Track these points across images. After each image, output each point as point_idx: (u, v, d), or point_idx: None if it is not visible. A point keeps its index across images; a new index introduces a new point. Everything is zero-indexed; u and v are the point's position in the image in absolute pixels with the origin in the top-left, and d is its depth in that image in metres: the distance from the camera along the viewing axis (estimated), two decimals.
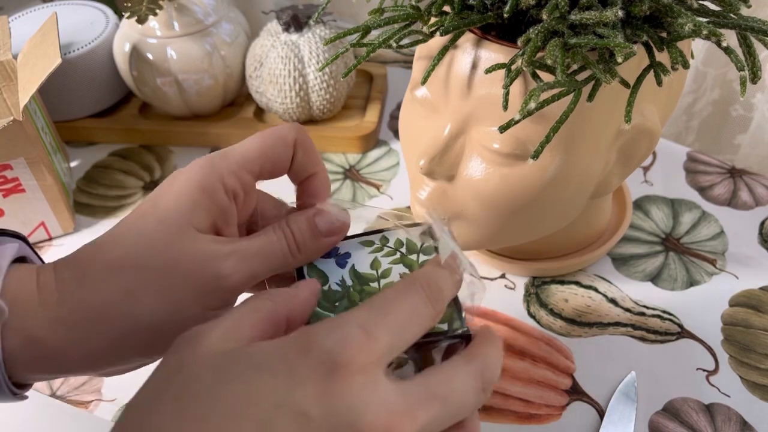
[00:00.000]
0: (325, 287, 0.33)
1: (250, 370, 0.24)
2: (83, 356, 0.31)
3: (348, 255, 0.34)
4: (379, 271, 0.34)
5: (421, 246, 0.35)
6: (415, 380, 0.26)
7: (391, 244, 0.35)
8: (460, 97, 0.40)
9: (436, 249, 0.35)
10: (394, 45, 0.39)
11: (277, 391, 0.23)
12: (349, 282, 0.33)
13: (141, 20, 0.60)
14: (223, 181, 0.32)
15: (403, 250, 0.35)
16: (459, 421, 0.26)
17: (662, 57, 0.37)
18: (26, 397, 0.33)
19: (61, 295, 0.30)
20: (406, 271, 0.34)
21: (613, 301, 0.52)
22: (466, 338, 0.31)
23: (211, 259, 0.31)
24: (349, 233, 0.35)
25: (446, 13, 0.38)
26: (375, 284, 0.33)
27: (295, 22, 0.63)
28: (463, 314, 0.31)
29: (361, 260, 0.34)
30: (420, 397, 0.25)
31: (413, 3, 0.39)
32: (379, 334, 0.25)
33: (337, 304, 0.32)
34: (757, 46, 0.62)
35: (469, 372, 0.27)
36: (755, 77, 0.35)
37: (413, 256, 0.34)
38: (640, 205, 0.59)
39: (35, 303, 0.30)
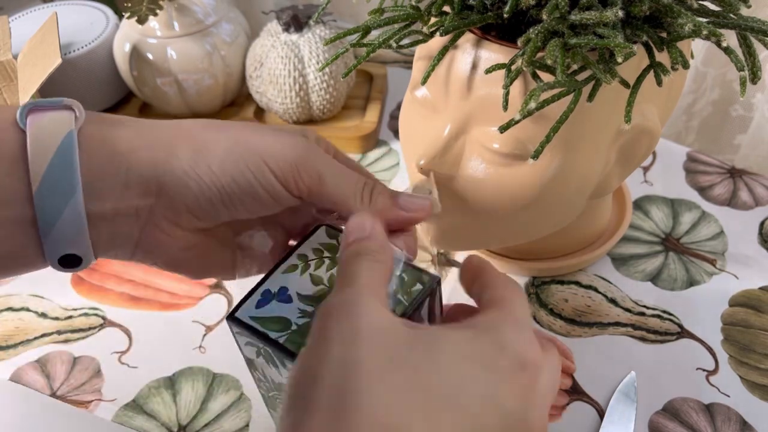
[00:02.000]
0: (294, 327, 0.32)
1: (460, 359, 0.26)
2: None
3: (285, 289, 0.34)
4: (326, 283, 0.33)
5: (338, 241, 0.35)
6: (542, 386, 0.28)
7: (311, 256, 0.35)
8: (460, 97, 0.40)
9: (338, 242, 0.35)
10: (394, 45, 0.39)
11: (488, 384, 0.25)
12: (309, 309, 0.33)
13: (141, 20, 0.60)
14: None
15: (327, 254, 0.35)
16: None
17: (662, 57, 0.37)
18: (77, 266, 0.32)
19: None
20: None
21: (613, 301, 0.52)
22: (438, 283, 0.33)
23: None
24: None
25: (446, 13, 0.38)
26: None
27: (295, 22, 0.63)
28: (421, 266, 0.34)
29: (300, 284, 0.34)
30: (547, 394, 0.28)
31: (413, 3, 0.39)
32: (534, 336, 0.28)
33: None
34: (757, 46, 0.62)
35: (555, 365, 0.29)
36: (755, 77, 0.35)
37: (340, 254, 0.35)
38: (640, 205, 0.59)
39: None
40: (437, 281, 0.33)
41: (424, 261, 0.55)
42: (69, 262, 0.31)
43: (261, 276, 0.34)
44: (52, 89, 0.65)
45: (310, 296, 0.33)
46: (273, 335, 0.32)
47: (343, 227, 0.33)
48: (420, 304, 0.32)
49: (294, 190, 0.33)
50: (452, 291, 0.52)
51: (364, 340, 0.25)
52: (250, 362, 0.35)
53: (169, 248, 0.33)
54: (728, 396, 0.46)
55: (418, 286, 0.33)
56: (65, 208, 0.29)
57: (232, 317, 0.33)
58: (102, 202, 0.31)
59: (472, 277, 0.32)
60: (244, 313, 0.33)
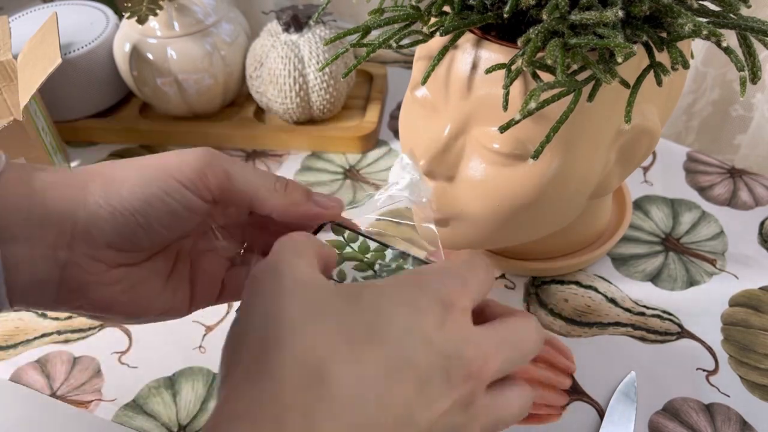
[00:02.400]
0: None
1: (381, 300, 0.27)
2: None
3: None
4: (335, 278, 0.34)
5: (345, 237, 0.36)
6: (491, 325, 0.30)
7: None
8: (460, 97, 0.40)
9: (357, 234, 0.36)
10: (394, 45, 0.39)
11: (408, 318, 0.27)
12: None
13: (141, 20, 0.60)
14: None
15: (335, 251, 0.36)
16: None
17: (662, 57, 0.37)
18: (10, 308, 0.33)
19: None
20: (354, 263, 0.35)
21: (613, 301, 0.52)
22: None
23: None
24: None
25: (446, 13, 0.38)
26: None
27: (295, 22, 0.63)
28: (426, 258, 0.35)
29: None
30: (500, 341, 0.29)
31: (413, 3, 0.39)
32: (470, 283, 0.30)
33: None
34: (757, 46, 0.62)
35: (531, 326, 0.31)
36: (755, 77, 0.35)
37: (348, 249, 0.36)
38: (640, 205, 0.59)
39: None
40: None
41: (420, 251, 0.55)
42: None
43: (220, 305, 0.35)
44: (52, 89, 0.65)
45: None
46: None
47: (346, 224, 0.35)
48: None
49: (205, 193, 0.34)
50: None
51: (286, 294, 0.26)
52: None
53: (95, 288, 0.33)
54: (728, 396, 0.46)
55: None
56: None
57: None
58: (17, 245, 0.31)
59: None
60: None
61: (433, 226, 0.41)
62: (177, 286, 0.36)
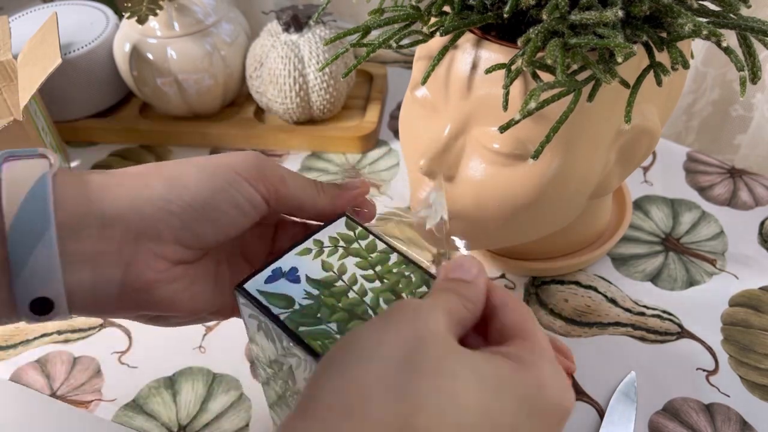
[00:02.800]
0: (296, 307, 0.32)
1: (498, 387, 0.26)
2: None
3: (295, 269, 0.34)
4: (335, 270, 0.34)
5: (356, 233, 0.36)
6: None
7: (327, 243, 0.35)
8: (460, 97, 0.40)
9: (368, 232, 0.36)
10: (394, 45, 0.39)
11: (518, 417, 0.26)
12: (315, 292, 0.33)
13: (141, 20, 0.60)
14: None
15: (342, 244, 0.35)
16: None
17: (662, 57, 0.37)
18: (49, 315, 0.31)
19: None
20: (358, 259, 0.34)
21: (613, 301, 0.52)
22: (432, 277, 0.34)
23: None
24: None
25: (446, 13, 0.38)
26: (339, 283, 0.34)
27: (295, 23, 0.63)
28: (431, 271, 0.34)
29: (311, 268, 0.34)
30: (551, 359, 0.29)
31: (413, 3, 0.39)
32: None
33: (319, 315, 0.32)
34: (757, 46, 0.62)
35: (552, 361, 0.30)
36: (755, 77, 0.35)
37: (355, 245, 0.35)
38: (639, 205, 0.59)
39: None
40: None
41: (424, 261, 0.55)
42: (41, 309, 0.30)
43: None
44: (52, 89, 0.65)
45: (318, 281, 0.34)
46: (275, 311, 0.32)
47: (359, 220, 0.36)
48: None
49: (264, 192, 0.34)
50: None
51: (420, 339, 0.26)
52: (251, 335, 0.36)
53: (159, 286, 0.33)
54: (728, 396, 0.46)
55: (424, 288, 0.33)
56: (37, 245, 0.29)
57: (239, 287, 0.33)
58: (80, 243, 0.30)
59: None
60: (253, 285, 0.33)
61: (461, 246, 0.42)
62: (223, 287, 0.37)
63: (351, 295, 0.33)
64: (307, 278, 0.34)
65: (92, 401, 0.48)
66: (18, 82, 0.58)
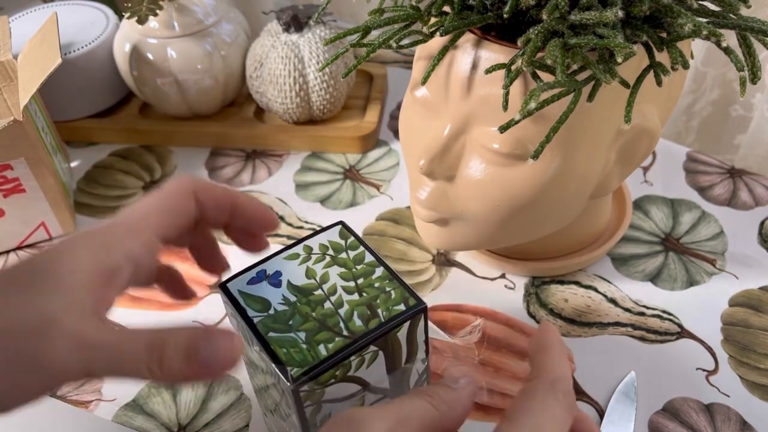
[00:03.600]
0: (271, 311, 0.33)
1: None
2: None
3: (278, 273, 0.34)
4: (317, 278, 0.34)
5: (346, 243, 0.36)
6: None
7: (316, 250, 0.35)
8: (460, 97, 0.40)
9: (360, 242, 0.36)
10: (394, 45, 0.39)
11: None
12: (292, 298, 0.33)
13: (141, 20, 0.60)
14: (120, 267, 0.29)
15: (330, 252, 0.35)
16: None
17: (662, 57, 0.37)
18: None
19: None
20: (343, 270, 0.34)
21: (612, 301, 0.52)
22: (423, 310, 0.33)
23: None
24: None
25: (446, 14, 0.38)
26: (318, 291, 0.33)
27: (296, 23, 0.63)
28: (411, 289, 0.34)
29: (294, 273, 0.34)
30: None
31: (413, 3, 0.39)
32: None
33: (290, 323, 0.32)
34: (757, 46, 0.62)
35: (556, 399, 0.29)
36: (755, 77, 0.35)
37: (343, 255, 0.35)
38: (639, 205, 0.59)
39: None
40: (424, 308, 0.33)
41: (424, 261, 0.55)
42: None
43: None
44: (52, 89, 0.65)
45: (298, 287, 0.34)
46: (250, 313, 0.32)
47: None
48: (398, 325, 0.32)
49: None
50: (451, 291, 0.52)
51: None
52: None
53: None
54: (728, 396, 0.46)
55: (401, 306, 0.33)
56: None
57: (223, 285, 0.34)
58: None
59: (534, 348, 0.32)
60: (235, 285, 0.34)
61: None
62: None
63: (327, 305, 0.33)
64: (289, 283, 0.34)
65: (92, 401, 0.48)
66: (18, 82, 0.58)
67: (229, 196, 0.34)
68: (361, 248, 0.35)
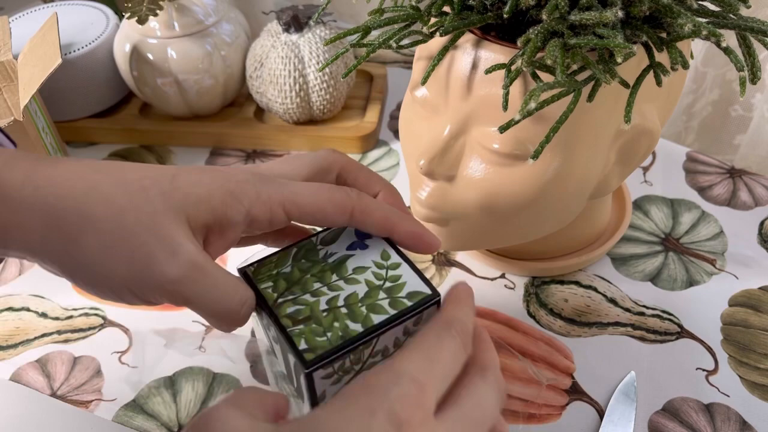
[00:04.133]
0: (292, 295, 0.33)
1: None
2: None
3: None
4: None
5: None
6: (453, 412, 0.28)
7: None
8: (460, 97, 0.40)
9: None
10: (394, 45, 0.39)
11: None
12: (316, 285, 0.34)
13: (141, 21, 0.60)
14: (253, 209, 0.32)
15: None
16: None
17: (662, 57, 0.37)
18: None
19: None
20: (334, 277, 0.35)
21: (612, 300, 0.52)
22: (438, 302, 0.33)
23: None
24: None
25: (446, 14, 0.38)
26: (339, 281, 0.34)
27: (296, 23, 0.63)
28: (425, 277, 0.34)
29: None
30: (466, 428, 0.28)
31: (413, 3, 0.39)
32: (428, 385, 0.27)
33: (310, 306, 0.33)
34: (757, 46, 0.62)
35: (490, 388, 0.29)
36: (755, 78, 0.35)
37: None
38: (639, 205, 0.59)
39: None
40: (438, 300, 0.34)
41: (424, 261, 0.55)
42: None
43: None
44: (52, 89, 0.65)
45: (319, 275, 0.34)
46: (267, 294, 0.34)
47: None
48: (412, 315, 0.33)
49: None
50: None
51: None
52: None
53: None
54: (728, 396, 0.46)
55: (416, 296, 0.33)
56: None
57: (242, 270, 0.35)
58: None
59: (444, 300, 0.33)
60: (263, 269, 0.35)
61: None
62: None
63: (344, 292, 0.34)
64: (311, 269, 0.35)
65: (92, 401, 0.48)
66: (18, 82, 0.58)
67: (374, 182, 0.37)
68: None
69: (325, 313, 0.32)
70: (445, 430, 0.27)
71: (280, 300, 0.33)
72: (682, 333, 0.50)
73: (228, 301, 0.32)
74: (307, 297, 0.33)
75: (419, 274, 0.34)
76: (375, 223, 0.35)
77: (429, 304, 0.33)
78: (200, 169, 0.33)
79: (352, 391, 0.27)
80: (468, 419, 0.28)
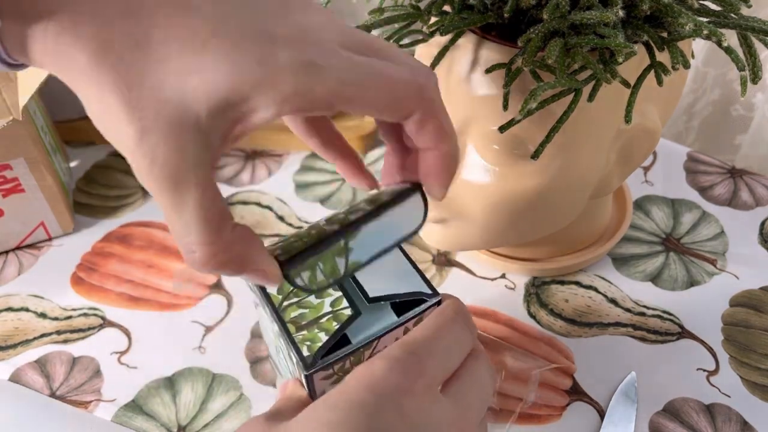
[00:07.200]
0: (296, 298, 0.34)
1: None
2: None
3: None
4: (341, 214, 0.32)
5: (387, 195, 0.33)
6: (453, 387, 0.30)
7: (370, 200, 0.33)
8: (460, 97, 0.40)
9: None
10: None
11: None
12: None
13: None
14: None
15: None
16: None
17: (663, 57, 0.37)
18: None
19: None
20: None
21: (613, 301, 0.52)
22: (438, 303, 0.34)
23: None
24: None
25: (446, 13, 0.38)
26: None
27: None
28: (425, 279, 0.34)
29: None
30: (467, 405, 0.30)
31: (413, 3, 0.39)
32: (429, 358, 0.29)
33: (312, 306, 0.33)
34: (758, 46, 0.62)
35: (485, 369, 0.32)
36: (755, 77, 0.35)
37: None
38: (640, 205, 0.59)
39: None
40: (438, 301, 0.34)
41: (424, 261, 0.55)
42: None
43: None
44: (52, 89, 0.65)
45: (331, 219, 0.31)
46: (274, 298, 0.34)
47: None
48: (413, 316, 0.33)
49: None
50: (451, 291, 0.52)
51: None
52: None
53: None
54: (729, 396, 0.46)
55: (417, 297, 0.34)
56: None
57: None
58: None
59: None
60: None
61: None
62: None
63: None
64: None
65: (92, 401, 0.48)
66: (18, 82, 0.58)
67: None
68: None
69: (327, 316, 0.33)
70: (448, 401, 0.29)
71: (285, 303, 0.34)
72: (683, 333, 0.50)
73: None
74: (312, 299, 0.34)
75: (420, 274, 0.34)
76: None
77: (429, 304, 0.33)
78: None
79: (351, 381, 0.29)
80: (468, 393, 0.30)
